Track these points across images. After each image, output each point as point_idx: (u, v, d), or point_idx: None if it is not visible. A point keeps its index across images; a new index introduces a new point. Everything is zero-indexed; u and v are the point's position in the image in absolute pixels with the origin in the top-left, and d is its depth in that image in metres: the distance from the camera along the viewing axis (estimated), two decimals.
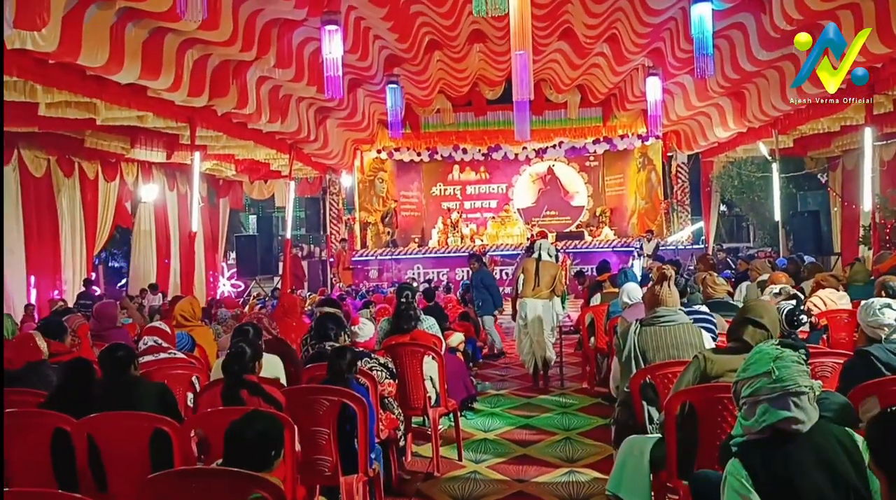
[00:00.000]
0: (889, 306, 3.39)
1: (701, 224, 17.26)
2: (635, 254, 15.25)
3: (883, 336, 3.37)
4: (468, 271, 10.80)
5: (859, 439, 2.13)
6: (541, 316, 7.71)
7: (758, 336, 3.30)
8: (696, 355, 3.50)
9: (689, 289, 5.49)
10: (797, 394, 2.08)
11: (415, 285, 10.61)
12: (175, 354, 4.76)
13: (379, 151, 18.41)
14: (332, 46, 8.14)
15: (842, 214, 14.47)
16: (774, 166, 12.93)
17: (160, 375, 4.31)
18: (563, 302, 8.98)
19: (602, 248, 16.83)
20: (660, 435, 3.64)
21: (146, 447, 3.30)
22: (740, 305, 5.87)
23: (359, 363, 4.14)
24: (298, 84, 10.56)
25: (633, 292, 6.06)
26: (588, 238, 17.89)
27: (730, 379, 3.38)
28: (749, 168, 15.61)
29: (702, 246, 16.29)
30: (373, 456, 3.87)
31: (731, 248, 15.61)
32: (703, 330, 4.14)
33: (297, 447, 3.43)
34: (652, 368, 3.87)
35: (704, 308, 4.89)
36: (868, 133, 9.73)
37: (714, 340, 4.56)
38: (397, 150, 18.44)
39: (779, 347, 2.24)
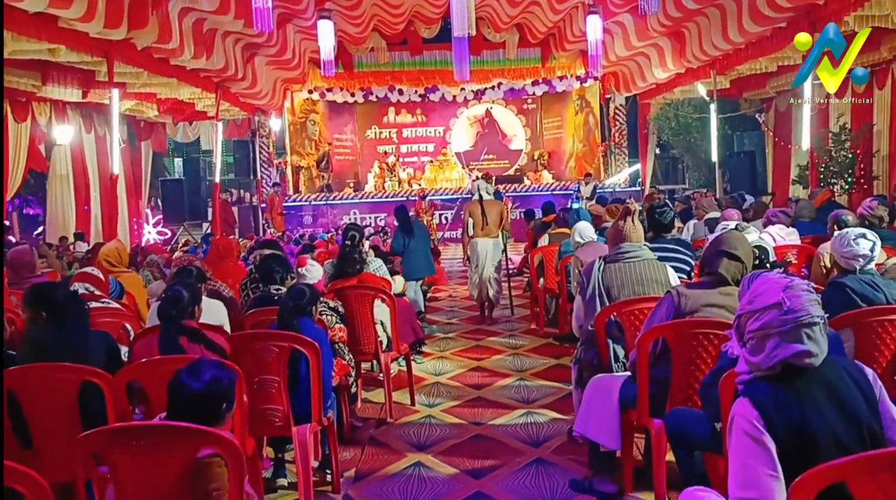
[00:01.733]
0: (864, 236, 3.29)
1: (638, 166, 17.34)
2: (574, 197, 15.22)
3: (857, 267, 3.29)
4: None
5: (869, 371, 1.99)
6: (491, 254, 7.73)
7: (733, 269, 3.17)
8: (668, 290, 3.35)
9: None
10: (810, 325, 1.91)
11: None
12: (109, 303, 4.36)
13: (310, 92, 17.72)
14: None
15: (773, 154, 14.72)
16: (712, 107, 12.97)
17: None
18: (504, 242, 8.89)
19: (541, 191, 16.78)
20: (628, 374, 3.51)
21: (75, 403, 2.96)
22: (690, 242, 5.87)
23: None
24: (225, 17, 9.89)
25: (585, 230, 5.97)
26: (527, 182, 17.81)
27: (705, 314, 3.27)
28: (686, 110, 15.67)
29: (639, 188, 16.38)
30: (328, 404, 3.62)
31: (666, 189, 15.73)
32: (668, 267, 4.00)
33: (244, 397, 3.14)
34: (618, 305, 3.72)
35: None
36: None
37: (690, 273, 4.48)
38: (329, 90, 17.78)
39: (785, 274, 2.06)
